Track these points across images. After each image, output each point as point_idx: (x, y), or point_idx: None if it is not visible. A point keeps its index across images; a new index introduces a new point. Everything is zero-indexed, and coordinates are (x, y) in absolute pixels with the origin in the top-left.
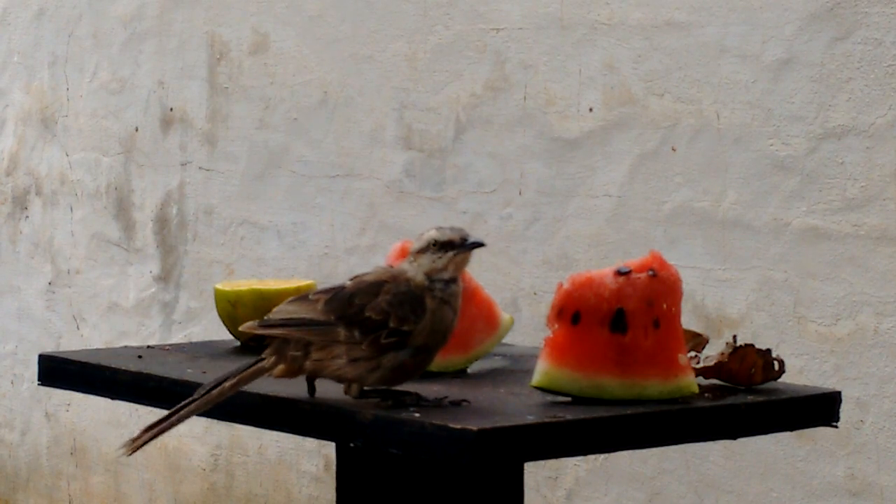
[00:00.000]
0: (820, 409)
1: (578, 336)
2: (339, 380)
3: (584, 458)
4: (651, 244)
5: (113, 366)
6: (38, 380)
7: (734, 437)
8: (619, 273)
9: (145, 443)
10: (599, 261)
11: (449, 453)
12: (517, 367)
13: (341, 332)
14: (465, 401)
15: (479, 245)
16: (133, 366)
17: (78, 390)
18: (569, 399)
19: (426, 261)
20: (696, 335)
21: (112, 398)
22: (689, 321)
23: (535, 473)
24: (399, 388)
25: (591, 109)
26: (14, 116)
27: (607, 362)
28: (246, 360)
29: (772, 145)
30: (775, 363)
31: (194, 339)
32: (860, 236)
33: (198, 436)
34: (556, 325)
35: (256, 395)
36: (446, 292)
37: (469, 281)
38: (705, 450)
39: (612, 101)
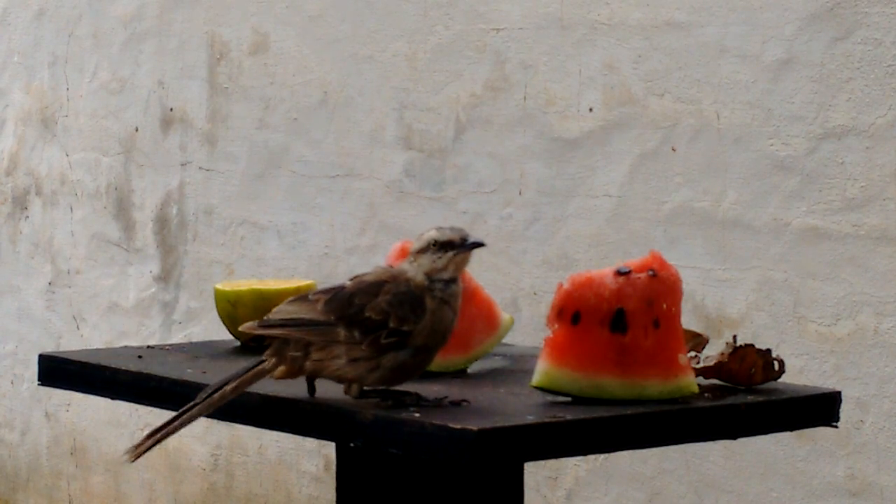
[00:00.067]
0: (820, 409)
1: (578, 336)
2: (339, 380)
3: (584, 458)
4: (651, 244)
5: (113, 366)
6: (38, 380)
7: (734, 437)
8: (619, 273)
9: (148, 449)
10: (599, 261)
11: (449, 453)
12: (517, 367)
13: (341, 333)
14: (465, 401)
15: (479, 245)
16: (133, 366)
17: (78, 390)
18: (569, 399)
19: (426, 261)
20: (696, 335)
21: (112, 398)
22: (689, 321)
23: (535, 473)
24: (399, 388)
25: (591, 109)
26: (14, 116)
27: (607, 362)
28: (247, 363)
29: (772, 145)
30: (775, 363)
31: (194, 339)
32: (860, 236)
33: (198, 436)
34: (556, 325)
35: (257, 396)
36: (446, 292)
37: (469, 281)
38: (705, 450)
39: (612, 101)
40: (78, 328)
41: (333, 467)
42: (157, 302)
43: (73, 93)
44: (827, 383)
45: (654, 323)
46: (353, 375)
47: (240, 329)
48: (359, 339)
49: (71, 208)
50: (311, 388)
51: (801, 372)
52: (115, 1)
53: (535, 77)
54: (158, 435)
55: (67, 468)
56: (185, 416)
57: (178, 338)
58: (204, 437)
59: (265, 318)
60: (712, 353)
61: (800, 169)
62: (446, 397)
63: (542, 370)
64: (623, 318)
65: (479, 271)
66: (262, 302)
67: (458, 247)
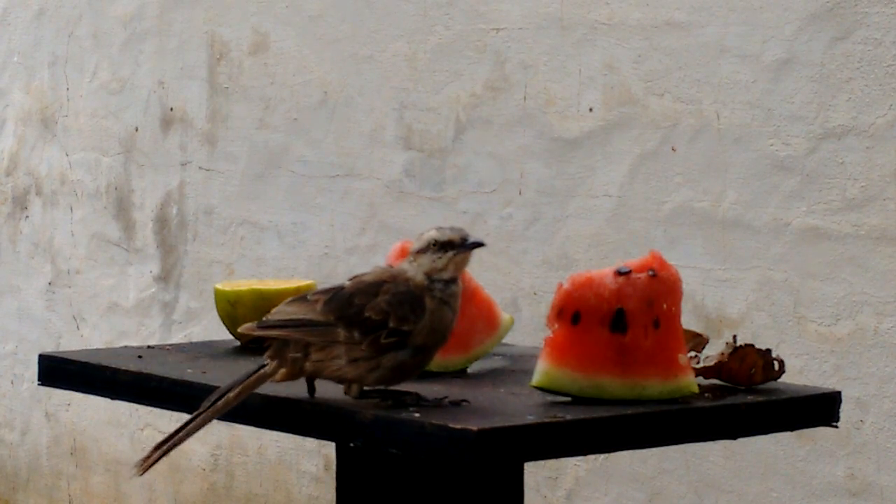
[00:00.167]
0: (820, 409)
1: (578, 336)
2: (338, 380)
3: (584, 458)
4: (651, 244)
5: (113, 366)
6: (38, 380)
7: (734, 437)
8: (619, 273)
9: (156, 461)
10: (599, 261)
11: (449, 453)
12: (517, 367)
13: (341, 333)
14: (465, 401)
15: (479, 245)
16: (133, 366)
17: (78, 390)
18: (569, 399)
19: (426, 261)
20: (696, 335)
21: (112, 398)
22: (689, 321)
23: (535, 473)
24: (399, 388)
25: (591, 109)
26: (14, 116)
27: (607, 362)
28: (248, 368)
29: (772, 145)
30: (775, 363)
31: (194, 339)
32: (860, 236)
33: (198, 436)
34: (556, 325)
35: (257, 396)
36: (446, 292)
37: (469, 281)
38: (705, 450)
39: (612, 101)
40: (78, 328)
41: (333, 467)
42: (157, 302)
43: (73, 93)
44: (827, 383)
45: (654, 323)
46: (353, 375)
47: (239, 330)
48: (358, 339)
49: (71, 208)
50: (311, 389)
51: (801, 372)
52: (115, 1)
53: (535, 77)
54: (165, 446)
55: (67, 468)
56: (190, 426)
57: (178, 338)
58: (204, 437)
59: (264, 318)
60: (712, 353)
61: (800, 169)
62: (446, 397)
63: (542, 370)
64: (623, 318)
65: (479, 271)
66: (262, 302)
67: (458, 247)
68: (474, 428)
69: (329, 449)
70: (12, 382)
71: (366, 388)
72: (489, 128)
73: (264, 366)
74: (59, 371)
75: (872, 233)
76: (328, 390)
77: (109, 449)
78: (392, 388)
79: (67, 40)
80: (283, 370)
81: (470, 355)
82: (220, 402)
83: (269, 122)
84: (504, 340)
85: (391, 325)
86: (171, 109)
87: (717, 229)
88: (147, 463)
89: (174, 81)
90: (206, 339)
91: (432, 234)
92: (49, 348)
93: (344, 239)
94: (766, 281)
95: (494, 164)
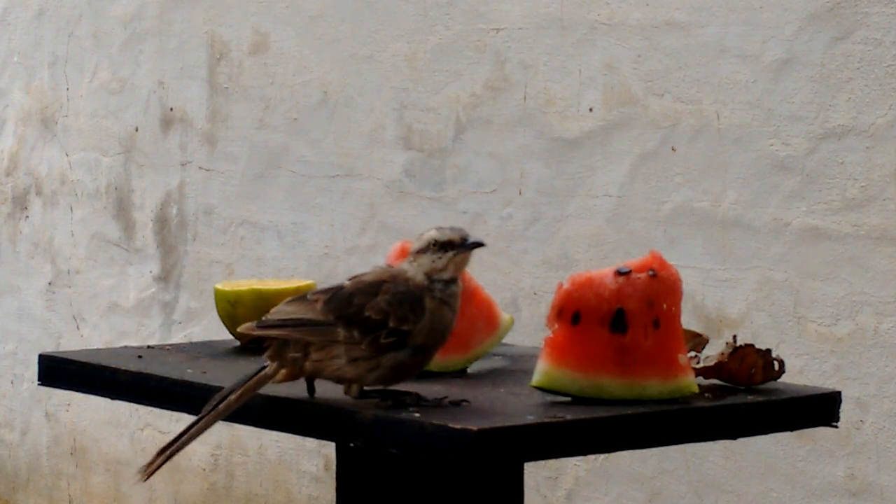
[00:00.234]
0: (820, 409)
1: (578, 336)
2: (338, 380)
3: (584, 458)
4: (651, 244)
5: (113, 366)
6: (38, 380)
7: (734, 437)
8: (619, 273)
9: (160, 466)
10: (599, 261)
11: (449, 453)
12: (517, 367)
13: (340, 333)
14: (465, 401)
15: (479, 245)
16: (133, 366)
17: (78, 390)
18: (569, 399)
19: (426, 261)
20: (696, 335)
21: (112, 398)
22: (689, 321)
23: (535, 473)
24: (399, 388)
25: (591, 109)
26: (14, 116)
27: (607, 362)
28: (248, 369)
29: (772, 145)
30: (775, 363)
31: (194, 339)
32: (860, 236)
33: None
34: (556, 325)
35: (257, 396)
36: (446, 292)
37: (469, 281)
38: (705, 450)
39: (612, 101)
40: (78, 328)
41: (333, 467)
42: (157, 302)
43: (73, 93)
44: (827, 383)
45: (654, 323)
46: (353, 375)
47: (238, 330)
48: (358, 338)
49: (71, 208)
50: (311, 389)
51: (801, 372)
52: (115, 1)
53: (535, 77)
54: (169, 451)
55: (67, 468)
56: (193, 430)
57: (178, 338)
58: (204, 437)
59: (263, 318)
60: (712, 353)
61: (800, 169)
62: (446, 397)
63: (542, 370)
64: (623, 318)
65: (479, 271)
66: (262, 302)
67: (458, 247)
68: (474, 428)
69: (329, 449)
70: (12, 382)
71: (366, 388)
72: (489, 128)
73: (264, 367)
74: (59, 371)
75: (872, 233)
76: (328, 390)
77: (109, 449)
78: (392, 388)
79: (67, 40)
80: (283, 371)
81: (470, 355)
82: (221, 406)
83: (269, 122)
84: (504, 340)
85: (391, 324)
86: (171, 109)
87: (717, 229)
88: (151, 468)
89: (174, 81)
90: (206, 339)
91: (432, 234)
92: (49, 348)
93: (344, 239)
94: (766, 281)
95: (494, 164)
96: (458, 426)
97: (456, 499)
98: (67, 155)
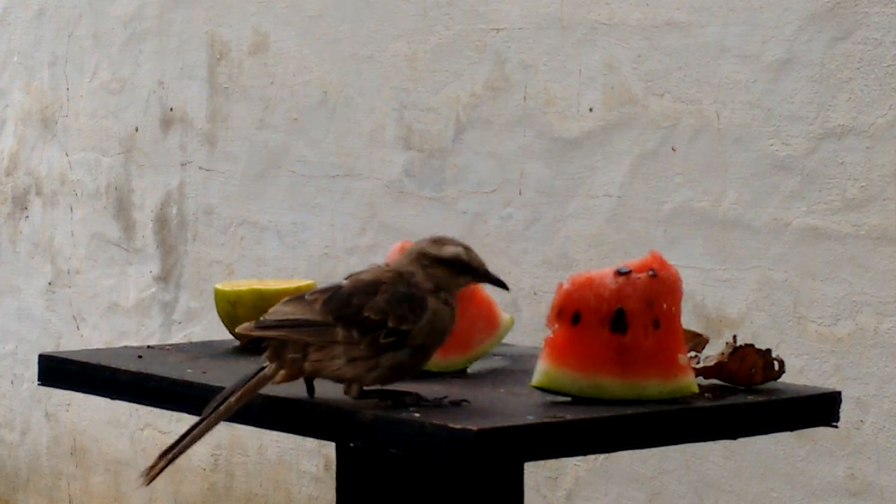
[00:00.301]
0: (820, 409)
1: (578, 336)
2: (337, 380)
3: (584, 458)
4: (651, 244)
5: (113, 366)
6: (38, 380)
7: (734, 437)
8: (619, 273)
9: (162, 470)
10: (599, 261)
11: (449, 453)
12: (517, 367)
13: (339, 333)
14: (465, 401)
15: (501, 285)
16: (133, 366)
17: (78, 390)
18: (569, 399)
19: (443, 276)
20: (696, 335)
21: (112, 398)
22: (689, 321)
23: (535, 473)
24: (399, 388)
25: (591, 109)
26: (14, 116)
27: (607, 362)
28: (248, 369)
29: (772, 145)
30: (775, 363)
31: (194, 339)
32: (860, 236)
33: None
34: (556, 325)
35: (258, 396)
36: (449, 296)
37: None
38: (705, 450)
39: (612, 101)
40: (78, 328)
41: (333, 467)
42: (157, 302)
43: (73, 93)
44: (827, 383)
45: (654, 323)
46: (352, 375)
47: (237, 330)
48: (357, 339)
49: (71, 208)
50: (311, 389)
51: (801, 372)
52: (115, 1)
53: (535, 77)
54: (170, 455)
55: (67, 468)
56: (194, 433)
57: (178, 338)
58: (204, 437)
59: (261, 318)
60: (712, 353)
61: (800, 169)
62: (446, 397)
63: (542, 370)
64: (623, 318)
65: None
66: (262, 302)
67: (479, 276)
68: (474, 428)
69: (329, 449)
70: (12, 382)
71: (365, 388)
72: (489, 128)
73: (263, 368)
74: (59, 371)
75: (872, 233)
76: (328, 390)
77: (109, 449)
78: (392, 388)
79: (67, 40)
80: (282, 372)
81: (470, 355)
82: (222, 408)
83: (269, 122)
84: (504, 340)
85: (390, 324)
86: (171, 109)
87: (717, 229)
88: (153, 472)
89: (174, 81)
90: (206, 339)
91: (458, 253)
92: (49, 348)
93: (344, 239)
94: (766, 281)
95: (494, 164)
96: (458, 426)
97: (456, 499)
98: (67, 155)
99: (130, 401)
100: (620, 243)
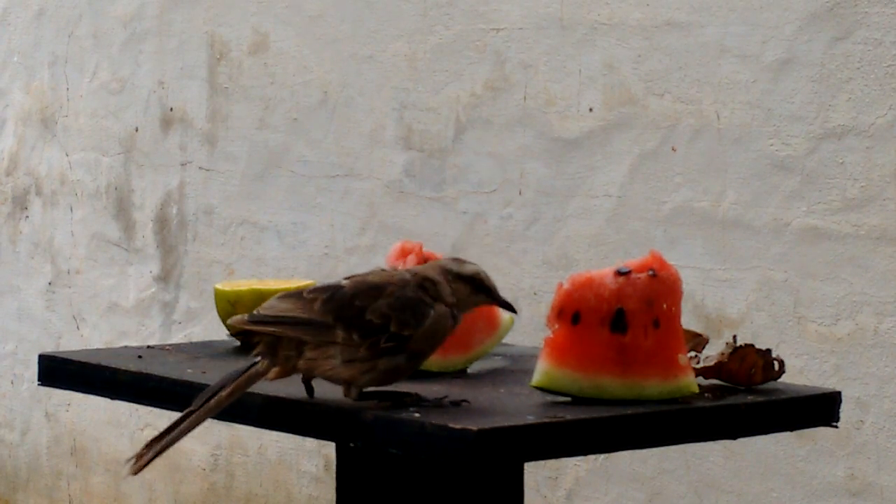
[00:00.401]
0: (820, 409)
1: (578, 336)
2: (331, 380)
3: (584, 458)
4: (651, 244)
5: (113, 366)
6: (38, 380)
7: (734, 437)
8: (619, 273)
9: (150, 461)
10: (599, 261)
11: (449, 453)
12: (517, 367)
13: (339, 334)
14: (465, 401)
15: (511, 310)
16: (133, 366)
17: (78, 390)
18: (569, 399)
19: (463, 294)
20: (696, 335)
21: (112, 398)
22: (689, 321)
23: (535, 473)
24: (399, 388)
25: (591, 109)
26: (14, 116)
27: (607, 362)
28: (240, 365)
29: (772, 145)
30: (775, 363)
31: (194, 339)
32: (860, 236)
33: (198, 436)
34: (556, 325)
35: (257, 396)
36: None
37: None
38: (705, 450)
39: (612, 101)
40: (78, 328)
41: (333, 467)
42: (157, 302)
43: (73, 93)
44: (827, 383)
45: (654, 323)
46: (347, 376)
47: (228, 322)
48: (357, 341)
49: (71, 208)
50: (310, 389)
51: (801, 372)
52: (115, 1)
53: (535, 77)
54: (159, 446)
55: (67, 468)
56: (184, 425)
57: (178, 338)
58: (204, 437)
59: (255, 312)
60: (712, 353)
61: (800, 169)
62: (446, 397)
63: (542, 370)
64: (623, 318)
65: None
66: (262, 302)
67: (492, 298)
68: (474, 428)
69: (329, 449)
70: (12, 382)
71: (365, 389)
72: (489, 128)
73: (255, 363)
74: (59, 371)
75: (872, 233)
76: (328, 391)
77: (109, 449)
78: (392, 388)
79: (67, 40)
80: (275, 368)
81: (470, 355)
82: (212, 401)
83: (269, 122)
84: (504, 340)
85: (392, 329)
86: (171, 109)
87: (717, 229)
88: (141, 462)
89: (174, 81)
90: (206, 339)
91: (478, 270)
92: (49, 348)
93: (344, 239)
94: (766, 281)
95: (494, 164)
96: (458, 426)
97: (456, 499)
98: (67, 155)
99: (130, 401)
100: (620, 243)
